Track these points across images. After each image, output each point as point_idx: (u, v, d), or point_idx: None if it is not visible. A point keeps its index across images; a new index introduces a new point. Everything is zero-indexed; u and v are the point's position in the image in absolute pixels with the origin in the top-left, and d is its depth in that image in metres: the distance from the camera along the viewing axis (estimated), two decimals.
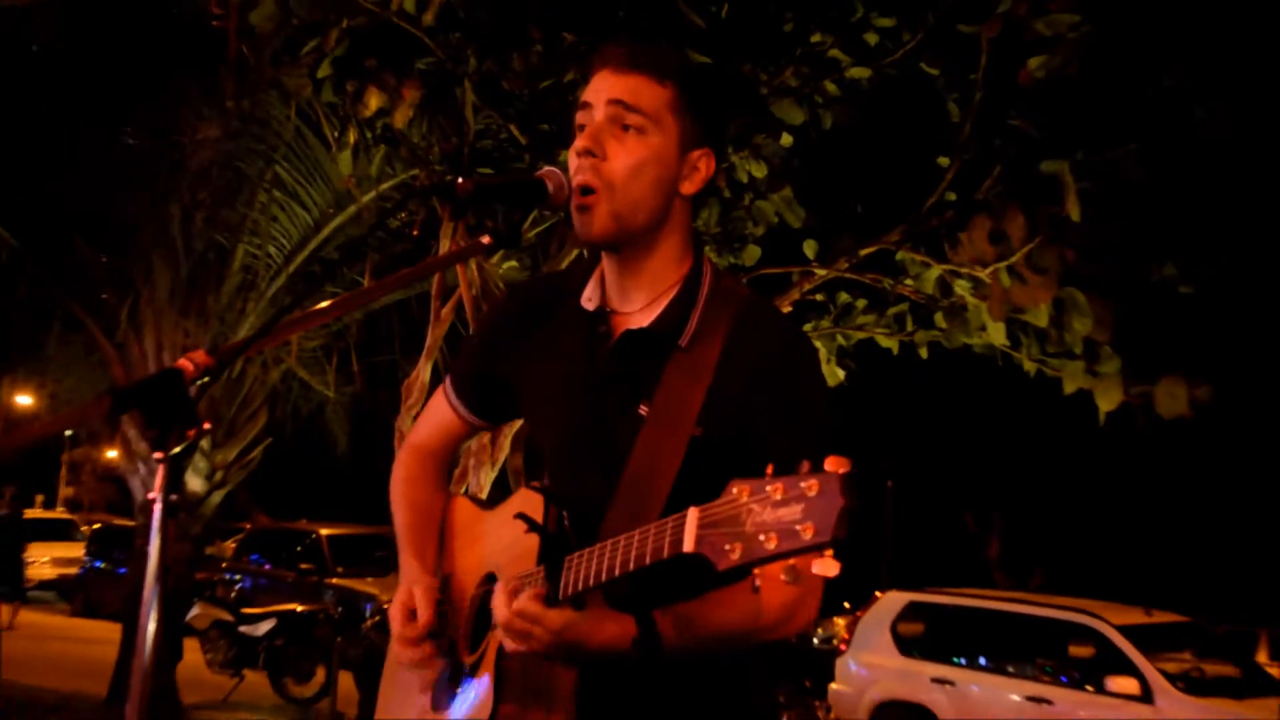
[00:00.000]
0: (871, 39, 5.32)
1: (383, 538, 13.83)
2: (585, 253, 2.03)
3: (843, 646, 12.63)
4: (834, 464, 1.34)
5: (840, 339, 6.12)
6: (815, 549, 1.32)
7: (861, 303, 5.98)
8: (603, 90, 1.86)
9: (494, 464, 5.78)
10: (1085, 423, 5.52)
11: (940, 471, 25.79)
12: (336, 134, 5.89)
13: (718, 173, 1.95)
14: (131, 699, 1.60)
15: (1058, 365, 5.39)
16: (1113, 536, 25.29)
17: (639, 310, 1.92)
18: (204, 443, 9.83)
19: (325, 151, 8.10)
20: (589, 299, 1.96)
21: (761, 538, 1.36)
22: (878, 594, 12.82)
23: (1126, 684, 10.24)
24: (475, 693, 1.85)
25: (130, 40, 9.89)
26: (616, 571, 1.60)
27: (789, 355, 1.87)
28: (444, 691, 1.95)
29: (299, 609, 12.78)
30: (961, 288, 5.39)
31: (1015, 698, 10.99)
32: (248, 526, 20.47)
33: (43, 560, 21.79)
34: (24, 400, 24.16)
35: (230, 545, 19.59)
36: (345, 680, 11.56)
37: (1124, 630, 10.68)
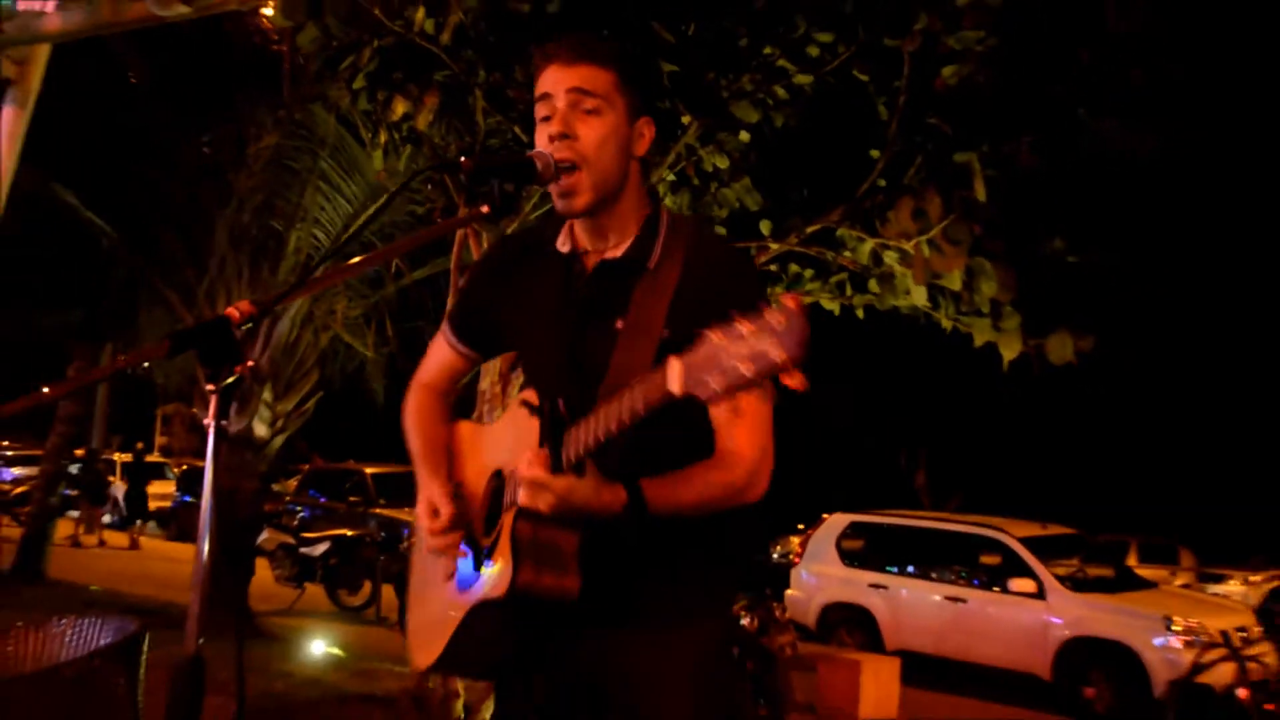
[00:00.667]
0: (813, 51, 5.27)
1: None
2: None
3: (796, 560, 12.71)
4: (790, 299, 1.36)
5: None
6: (786, 368, 1.34)
7: (809, 272, 5.94)
8: (560, 81, 1.86)
9: (504, 406, 5.76)
10: (992, 370, 5.53)
11: (876, 416, 25.86)
12: (370, 136, 5.82)
13: (657, 136, 1.97)
14: (194, 588, 1.59)
15: (969, 322, 5.37)
16: (1015, 466, 25.44)
17: (608, 248, 1.94)
18: (266, 395, 9.80)
19: (361, 150, 8.02)
20: (563, 244, 1.97)
21: (740, 366, 1.37)
22: (825, 516, 12.89)
23: (1025, 584, 10.35)
24: (495, 569, 1.82)
25: (205, 64, 9.85)
26: (613, 429, 1.59)
27: (735, 266, 1.93)
28: (466, 576, 1.93)
29: (349, 534, 12.82)
30: (890, 258, 5.36)
31: (937, 598, 11.10)
32: (305, 468, 20.48)
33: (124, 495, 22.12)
34: None
35: (292, 483, 19.65)
36: (388, 591, 11.65)
37: (1023, 541, 10.78)
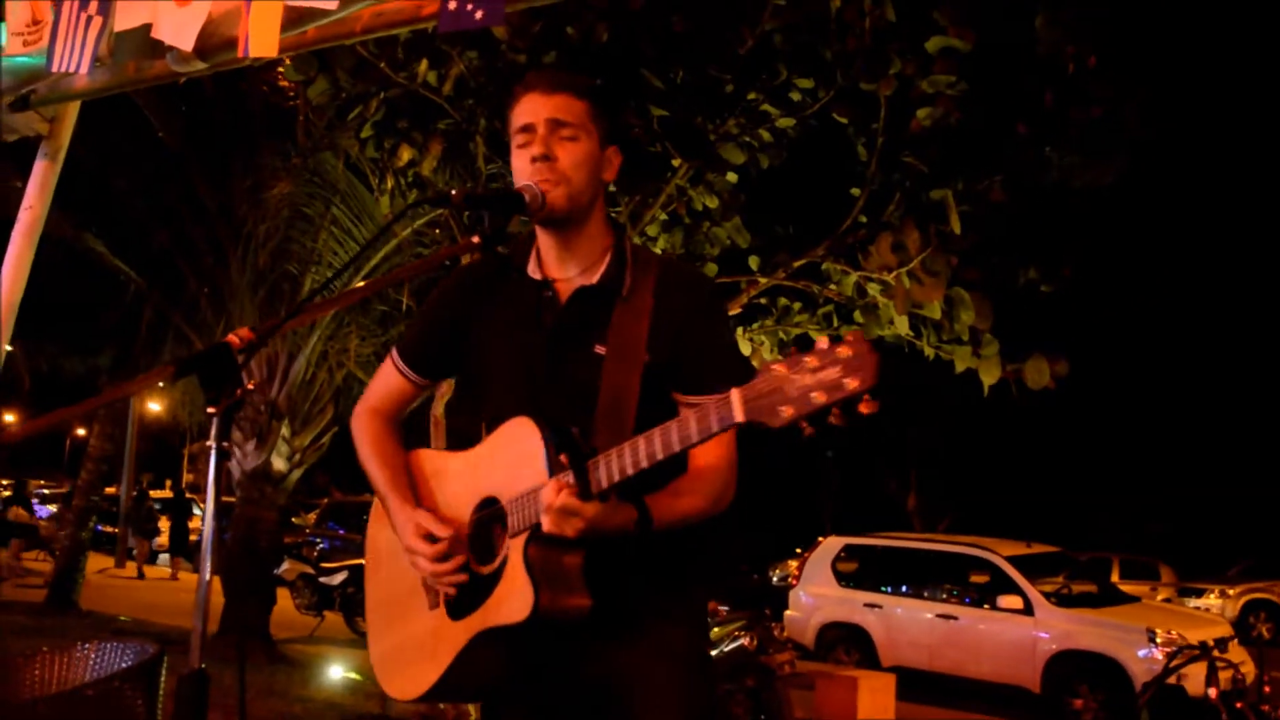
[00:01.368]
0: (795, 96, 5.32)
1: None
2: (522, 232, 2.05)
3: (794, 582, 12.61)
4: (851, 335, 1.42)
5: (781, 334, 6.09)
6: (859, 395, 1.40)
7: (796, 305, 5.95)
8: (540, 110, 1.89)
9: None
10: (973, 397, 5.51)
11: (868, 444, 25.79)
12: (378, 181, 5.85)
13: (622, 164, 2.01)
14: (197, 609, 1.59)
15: (950, 350, 5.37)
16: (1001, 489, 25.34)
17: (577, 275, 1.95)
18: (285, 430, 9.78)
19: (370, 195, 8.03)
20: (533, 270, 1.98)
21: (812, 395, 1.42)
22: (820, 539, 12.82)
23: (1013, 601, 10.27)
24: (510, 592, 1.76)
25: (223, 117, 9.94)
26: (659, 457, 1.60)
27: (707, 298, 1.96)
28: (465, 603, 1.84)
29: None
30: (873, 290, 5.36)
31: (929, 616, 11.00)
32: (324, 501, 20.43)
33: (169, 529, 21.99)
34: (154, 407, 23.88)
35: (312, 516, 19.61)
36: None
37: (1011, 560, 10.70)
